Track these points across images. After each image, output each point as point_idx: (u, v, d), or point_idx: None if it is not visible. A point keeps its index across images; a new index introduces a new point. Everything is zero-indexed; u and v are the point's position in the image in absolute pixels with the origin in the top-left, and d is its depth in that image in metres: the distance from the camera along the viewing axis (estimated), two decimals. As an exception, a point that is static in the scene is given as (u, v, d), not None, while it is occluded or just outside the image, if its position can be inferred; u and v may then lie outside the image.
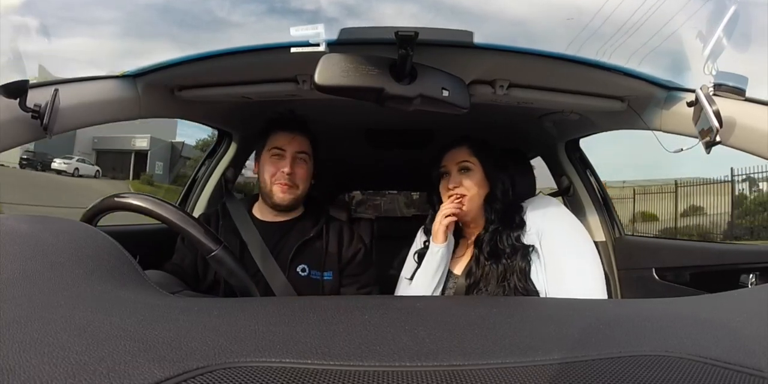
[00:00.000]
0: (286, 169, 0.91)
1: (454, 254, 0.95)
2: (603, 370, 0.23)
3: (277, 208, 0.95)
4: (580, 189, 1.31)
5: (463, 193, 0.91)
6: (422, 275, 0.92)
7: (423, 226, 1.04)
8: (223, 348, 0.23)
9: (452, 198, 0.90)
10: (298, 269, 0.91)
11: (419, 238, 1.03)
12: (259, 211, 0.98)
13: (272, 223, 0.96)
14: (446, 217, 0.88)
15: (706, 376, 0.23)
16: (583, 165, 1.33)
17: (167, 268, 0.90)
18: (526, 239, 0.88)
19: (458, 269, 0.94)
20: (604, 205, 1.30)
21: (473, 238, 0.94)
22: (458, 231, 0.98)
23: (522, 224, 0.89)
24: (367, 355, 0.24)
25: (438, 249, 0.89)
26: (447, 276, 0.93)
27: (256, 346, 0.24)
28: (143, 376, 0.20)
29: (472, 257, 0.92)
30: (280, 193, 0.92)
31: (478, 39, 0.71)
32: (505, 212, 0.92)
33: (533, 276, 0.85)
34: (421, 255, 0.96)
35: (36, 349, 0.21)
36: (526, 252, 0.86)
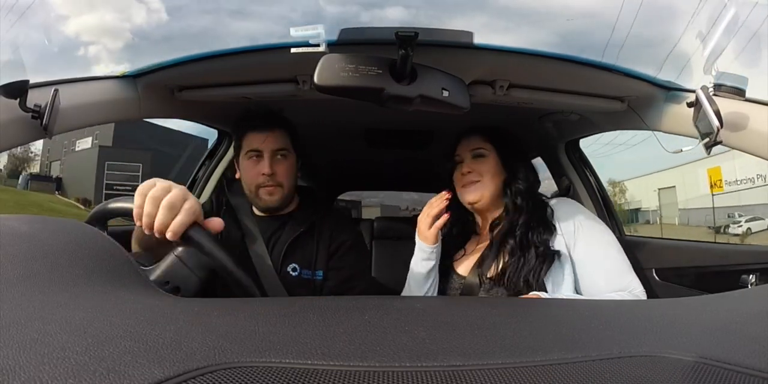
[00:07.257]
0: (266, 170, 0.87)
1: (462, 251, 0.91)
2: (603, 370, 0.23)
3: (267, 210, 0.93)
4: (580, 189, 1.31)
5: (476, 179, 0.88)
6: (413, 280, 0.88)
7: None
8: (223, 348, 0.23)
9: (442, 194, 0.86)
10: (289, 269, 0.89)
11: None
12: (255, 208, 0.96)
13: (267, 217, 0.94)
14: (434, 217, 0.84)
15: (705, 377, 0.23)
16: (583, 165, 1.33)
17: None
18: (554, 243, 0.83)
19: (464, 269, 0.88)
20: (604, 206, 1.30)
21: (488, 234, 0.89)
22: (469, 225, 0.94)
23: (554, 229, 0.84)
24: (367, 356, 0.24)
25: (431, 250, 0.85)
26: (450, 277, 0.90)
27: (257, 346, 0.24)
28: (143, 376, 0.20)
29: (483, 254, 0.87)
30: (267, 196, 0.90)
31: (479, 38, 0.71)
32: (533, 205, 0.86)
33: (550, 278, 0.80)
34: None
35: (36, 349, 0.21)
36: (552, 258, 0.80)
